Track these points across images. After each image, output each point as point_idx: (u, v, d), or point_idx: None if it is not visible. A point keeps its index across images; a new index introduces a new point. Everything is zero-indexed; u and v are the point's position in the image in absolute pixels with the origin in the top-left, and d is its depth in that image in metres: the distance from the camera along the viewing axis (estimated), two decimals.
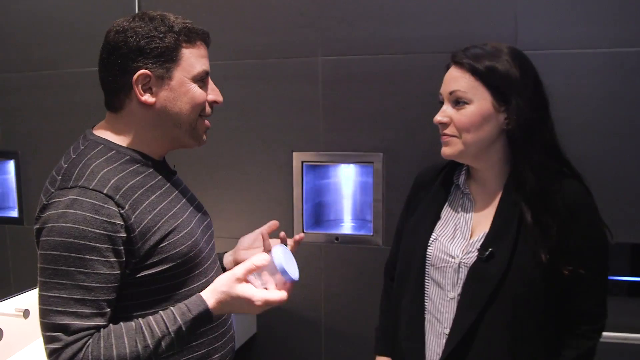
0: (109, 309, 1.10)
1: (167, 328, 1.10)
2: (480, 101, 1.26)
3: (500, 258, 1.25)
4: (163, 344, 1.09)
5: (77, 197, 1.07)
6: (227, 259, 1.45)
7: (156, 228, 1.15)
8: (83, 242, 1.05)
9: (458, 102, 1.28)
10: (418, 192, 1.50)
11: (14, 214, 2.53)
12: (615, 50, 1.82)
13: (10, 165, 2.61)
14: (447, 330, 1.32)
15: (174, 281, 1.19)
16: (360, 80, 2.05)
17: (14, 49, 2.46)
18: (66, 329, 1.04)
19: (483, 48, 1.30)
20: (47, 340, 1.05)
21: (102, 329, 1.08)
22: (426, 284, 1.37)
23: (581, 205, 1.28)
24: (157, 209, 1.17)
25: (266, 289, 1.17)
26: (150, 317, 1.12)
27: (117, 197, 1.10)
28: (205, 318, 1.13)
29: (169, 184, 1.25)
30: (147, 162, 1.21)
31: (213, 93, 1.25)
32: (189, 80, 1.18)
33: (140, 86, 1.15)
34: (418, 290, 1.37)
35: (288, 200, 2.16)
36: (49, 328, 1.05)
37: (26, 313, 1.60)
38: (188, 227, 1.22)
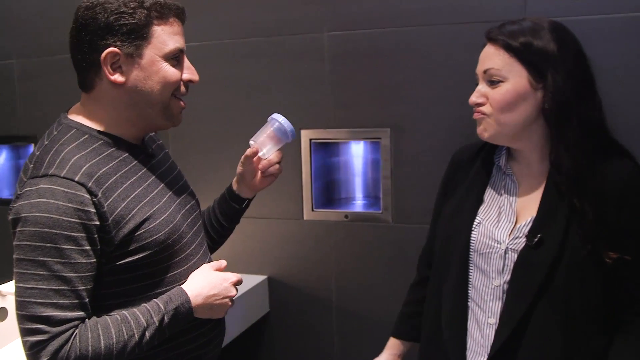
0: (88, 300, 1.09)
1: (152, 317, 1.12)
2: (515, 78, 1.20)
3: (550, 244, 1.18)
4: (147, 333, 1.11)
5: (49, 186, 1.05)
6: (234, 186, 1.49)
7: (130, 216, 1.13)
8: (58, 231, 1.03)
9: (493, 80, 1.22)
10: (456, 173, 1.43)
11: None
12: (633, 14, 1.72)
13: (31, 149, 2.66)
14: (492, 320, 1.26)
15: (155, 267, 1.18)
16: (366, 55, 2.01)
17: (30, 36, 2.51)
18: (49, 321, 1.03)
19: (520, 24, 1.23)
20: (28, 332, 1.03)
21: (86, 320, 1.08)
22: (470, 270, 1.31)
23: (631, 186, 1.19)
24: (132, 196, 1.15)
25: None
26: (134, 308, 1.13)
27: (90, 184, 1.09)
28: (187, 308, 1.16)
29: (145, 169, 1.23)
30: (121, 146, 1.19)
31: (188, 72, 1.22)
32: (160, 58, 1.15)
33: (109, 65, 1.12)
34: (461, 277, 1.31)
35: (297, 179, 2.15)
36: (30, 320, 1.03)
37: None
38: (165, 213, 1.20)
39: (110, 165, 1.15)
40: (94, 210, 1.08)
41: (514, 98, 1.21)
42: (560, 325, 1.18)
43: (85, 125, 1.17)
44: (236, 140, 2.22)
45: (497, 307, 1.26)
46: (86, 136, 1.15)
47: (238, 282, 1.29)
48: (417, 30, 1.94)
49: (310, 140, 2.11)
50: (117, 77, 1.13)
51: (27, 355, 1.04)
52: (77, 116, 1.19)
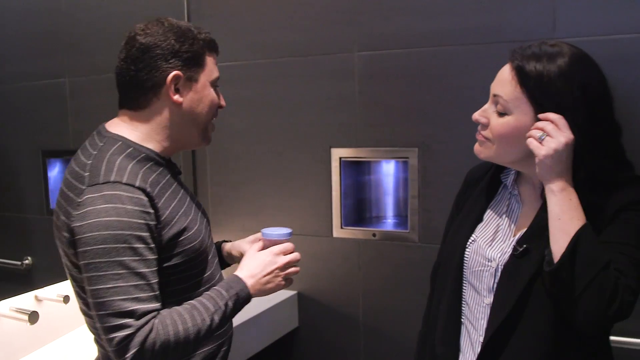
0: (159, 292, 1.17)
1: (218, 302, 1.22)
2: (520, 115, 1.16)
3: (535, 254, 1.15)
4: (216, 317, 1.21)
5: (114, 192, 1.13)
6: (226, 246, 1.55)
7: (173, 222, 1.22)
8: (130, 232, 1.11)
9: (499, 111, 1.19)
10: (467, 190, 1.43)
11: None
12: None
13: None
14: (483, 338, 1.24)
15: (195, 270, 1.27)
16: (395, 75, 2.03)
17: (82, 55, 2.64)
18: (133, 314, 1.10)
19: (545, 52, 1.15)
20: (114, 329, 1.10)
21: (161, 311, 1.16)
22: (464, 288, 1.31)
23: (629, 204, 1.13)
24: (172, 205, 1.24)
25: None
26: (200, 297, 1.23)
27: (148, 188, 1.18)
28: (245, 293, 1.28)
29: (176, 183, 1.31)
30: (158, 160, 1.27)
31: (221, 98, 1.36)
32: (208, 84, 1.29)
33: (172, 86, 1.23)
34: (455, 294, 1.31)
35: (327, 197, 2.17)
36: (115, 316, 1.10)
37: (66, 299, 1.72)
38: (197, 224, 1.29)
39: (153, 176, 1.23)
40: (152, 211, 1.17)
41: (514, 133, 1.17)
42: (544, 337, 1.15)
43: (128, 139, 1.25)
44: (267, 158, 2.28)
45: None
46: (131, 149, 1.23)
47: (290, 263, 1.37)
48: (445, 50, 1.94)
49: (340, 158, 2.14)
50: (178, 98, 1.25)
51: (115, 351, 1.10)
52: (120, 129, 1.26)
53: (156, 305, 1.15)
